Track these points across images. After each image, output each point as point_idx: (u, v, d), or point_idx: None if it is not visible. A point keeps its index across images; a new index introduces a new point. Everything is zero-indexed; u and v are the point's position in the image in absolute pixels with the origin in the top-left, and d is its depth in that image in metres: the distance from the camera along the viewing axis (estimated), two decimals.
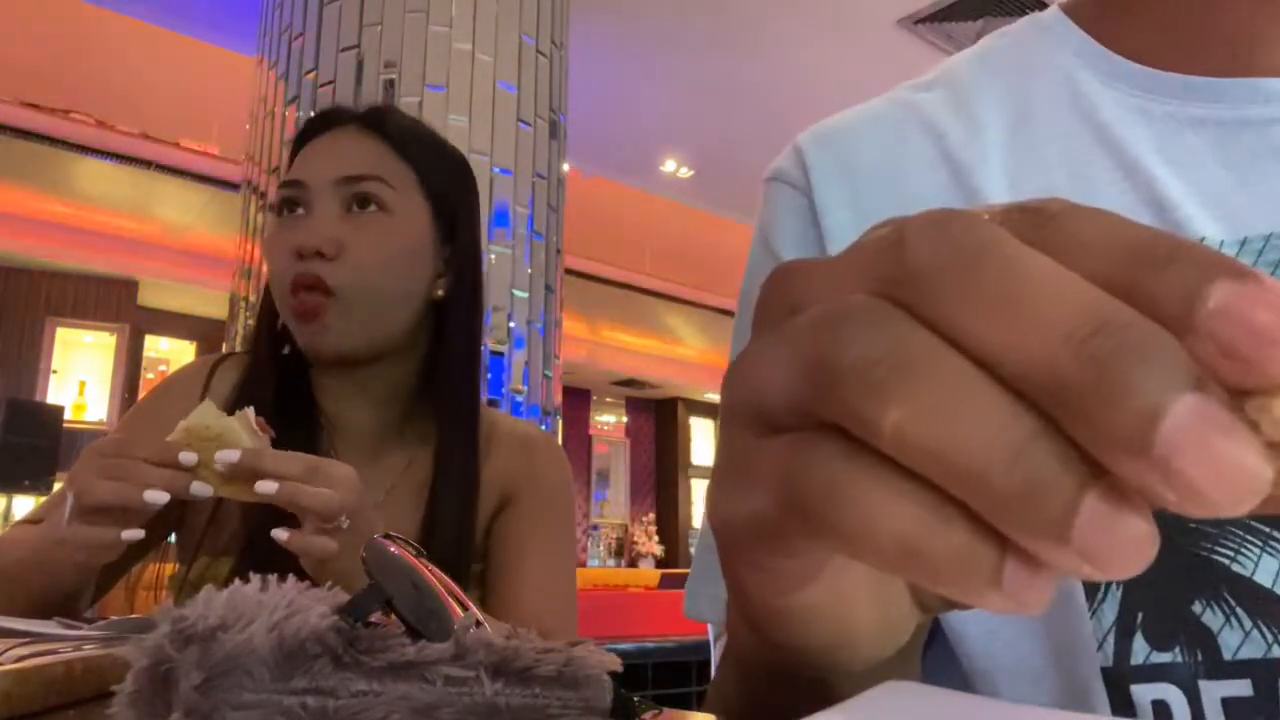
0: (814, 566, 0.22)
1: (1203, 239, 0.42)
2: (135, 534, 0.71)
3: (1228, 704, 0.39)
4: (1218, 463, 0.14)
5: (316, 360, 0.94)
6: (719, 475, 0.22)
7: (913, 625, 0.27)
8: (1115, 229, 0.17)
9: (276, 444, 0.76)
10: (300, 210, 0.93)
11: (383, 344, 0.93)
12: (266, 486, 0.70)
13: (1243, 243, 0.42)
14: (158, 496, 0.70)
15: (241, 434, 0.73)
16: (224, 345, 3.74)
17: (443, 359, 0.97)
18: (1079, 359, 0.15)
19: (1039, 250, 0.17)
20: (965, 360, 0.16)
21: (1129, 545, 0.15)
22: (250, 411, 0.75)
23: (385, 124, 0.97)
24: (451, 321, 0.97)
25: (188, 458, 0.72)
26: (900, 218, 0.19)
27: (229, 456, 0.71)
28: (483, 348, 1.04)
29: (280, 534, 0.72)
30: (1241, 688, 0.39)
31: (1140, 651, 0.41)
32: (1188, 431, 0.14)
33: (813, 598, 0.22)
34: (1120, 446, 0.15)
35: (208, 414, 0.74)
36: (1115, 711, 0.41)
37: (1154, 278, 0.16)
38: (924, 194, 0.49)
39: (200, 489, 0.72)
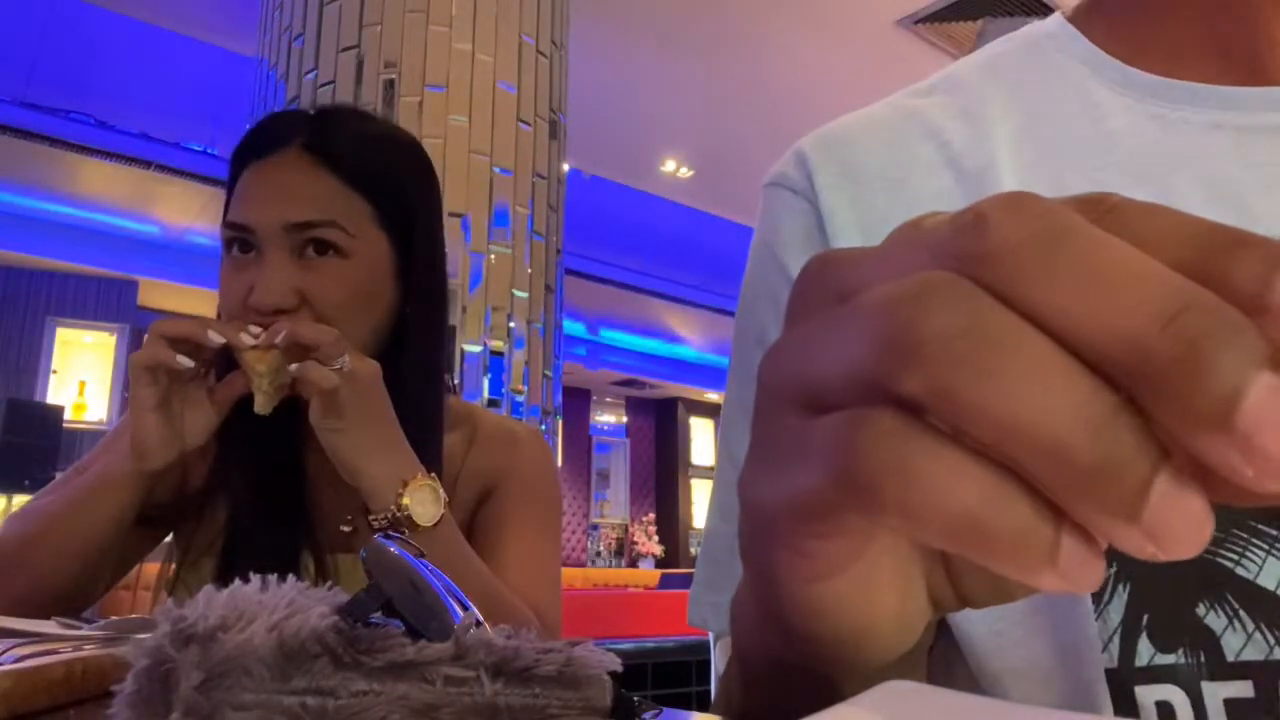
0: (852, 550, 0.22)
1: None
2: (187, 362, 0.81)
3: (1230, 705, 0.39)
4: None
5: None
6: (759, 454, 0.22)
7: (925, 623, 0.27)
8: (1177, 219, 0.17)
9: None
10: (251, 252, 0.88)
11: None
12: (277, 328, 0.80)
13: None
14: (217, 336, 0.81)
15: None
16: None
17: (403, 367, 0.92)
18: (1167, 338, 0.15)
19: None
20: (1047, 338, 0.17)
21: (1193, 525, 0.16)
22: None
23: (333, 147, 0.90)
24: (410, 330, 0.94)
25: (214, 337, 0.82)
26: (921, 215, 0.19)
27: (251, 333, 0.81)
28: (447, 351, 1.02)
29: (292, 367, 0.80)
30: (1243, 689, 0.40)
31: (1145, 653, 0.41)
32: (1268, 408, 0.15)
33: (842, 585, 0.23)
34: (1205, 423, 0.15)
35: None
36: (1119, 713, 0.41)
37: (1224, 264, 0.16)
38: (928, 198, 0.49)
39: (250, 333, 0.82)
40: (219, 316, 0.94)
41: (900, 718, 0.22)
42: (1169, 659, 0.41)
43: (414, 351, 0.94)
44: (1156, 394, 0.16)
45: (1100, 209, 0.18)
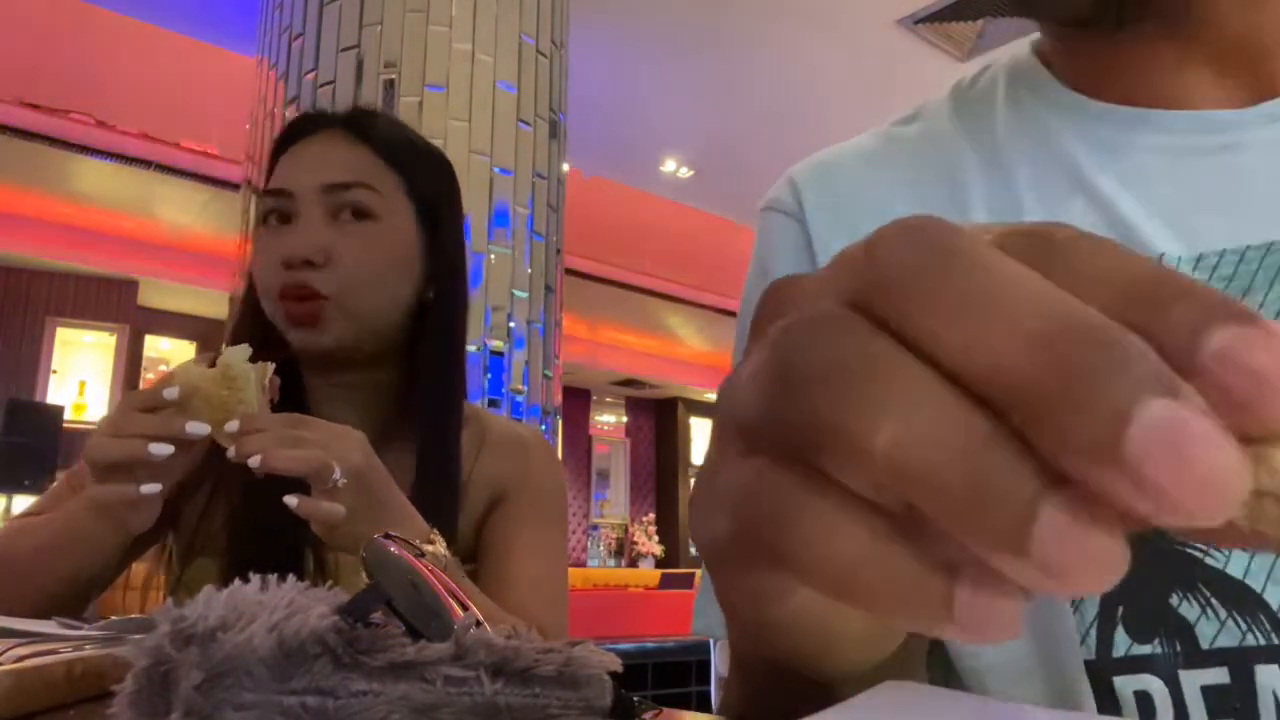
0: (788, 583, 0.21)
1: (1161, 255, 0.46)
2: (153, 488, 0.73)
3: (1207, 692, 0.41)
4: (1192, 468, 0.13)
5: (308, 359, 0.94)
6: (696, 491, 0.21)
7: (904, 633, 0.26)
8: (1120, 261, 0.16)
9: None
10: (287, 220, 0.92)
11: (373, 347, 0.94)
12: (252, 462, 0.70)
13: (1198, 259, 0.45)
14: (161, 448, 0.72)
15: (253, 388, 0.75)
16: (224, 345, 3.74)
17: (424, 359, 0.96)
18: (1042, 360, 0.14)
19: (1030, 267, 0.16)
20: (923, 366, 0.16)
21: (1092, 558, 0.14)
22: (270, 366, 0.77)
23: (369, 128, 0.97)
24: (433, 322, 0.97)
25: (187, 425, 0.74)
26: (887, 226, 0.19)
27: (231, 427, 0.73)
28: (466, 348, 1.04)
29: (290, 500, 0.72)
30: (1219, 675, 0.41)
31: (1121, 644, 0.43)
32: (1159, 435, 0.13)
33: (794, 610, 0.22)
34: (1087, 452, 0.14)
35: (238, 356, 0.76)
36: (1099, 702, 0.42)
37: (1157, 315, 0.15)
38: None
39: (196, 428, 0.73)
40: (247, 294, 0.96)
41: (899, 717, 0.22)
42: (1145, 649, 0.42)
43: (435, 338, 0.97)
44: (1036, 422, 0.15)
45: (1044, 243, 0.17)
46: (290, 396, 0.93)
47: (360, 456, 0.74)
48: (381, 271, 0.92)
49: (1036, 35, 0.58)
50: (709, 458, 0.21)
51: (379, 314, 0.93)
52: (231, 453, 0.72)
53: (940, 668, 0.51)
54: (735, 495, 0.18)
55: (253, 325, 0.95)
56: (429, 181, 0.99)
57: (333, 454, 0.72)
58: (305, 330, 0.90)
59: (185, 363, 0.77)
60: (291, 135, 0.98)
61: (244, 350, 0.76)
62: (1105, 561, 0.14)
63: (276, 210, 0.93)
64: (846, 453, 0.16)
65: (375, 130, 0.97)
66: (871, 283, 0.17)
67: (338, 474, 0.71)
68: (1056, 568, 0.14)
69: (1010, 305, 0.15)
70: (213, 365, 0.76)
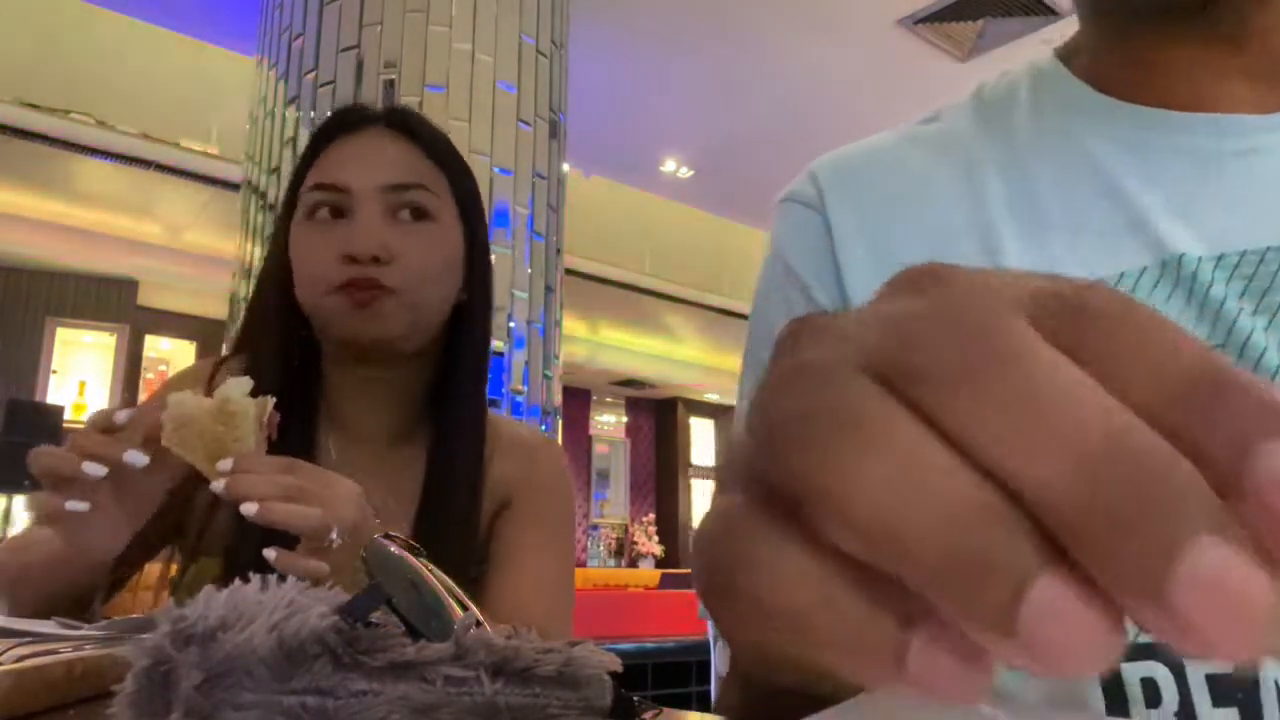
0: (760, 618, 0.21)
1: (1182, 255, 0.46)
2: (78, 506, 0.71)
3: (1212, 680, 0.41)
4: (1234, 613, 0.13)
5: (344, 352, 0.93)
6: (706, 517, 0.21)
7: None
8: (1157, 339, 0.15)
9: (275, 441, 0.75)
10: (339, 215, 0.91)
11: (417, 344, 0.94)
12: (247, 509, 0.68)
13: (1219, 259, 0.46)
14: (94, 468, 0.70)
15: (251, 424, 0.72)
16: (224, 345, 3.74)
17: (457, 362, 0.97)
18: (1088, 483, 0.13)
19: (1066, 350, 0.15)
20: (918, 424, 0.15)
21: (1083, 640, 0.13)
22: (270, 401, 0.74)
23: (415, 128, 0.97)
24: (467, 325, 0.98)
25: (135, 457, 0.71)
26: (923, 277, 0.17)
27: (224, 466, 0.70)
28: (489, 352, 1.05)
29: (269, 553, 0.69)
30: (1225, 664, 0.41)
31: (1129, 631, 0.42)
32: (1205, 578, 0.13)
33: (776, 641, 0.22)
34: (1126, 583, 0.13)
35: (237, 389, 0.72)
36: (1105, 688, 0.43)
37: (1198, 421, 0.14)
38: (932, 222, 0.53)
39: (133, 458, 0.71)
40: (269, 291, 0.94)
41: (900, 718, 0.22)
42: (1152, 637, 0.42)
43: (469, 340, 0.98)
44: (1076, 543, 0.14)
45: (1077, 314, 0.16)
46: (306, 389, 0.94)
47: (355, 511, 0.72)
48: (441, 271, 0.93)
49: (1058, 42, 0.59)
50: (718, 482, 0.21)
51: (434, 311, 0.94)
52: (219, 488, 0.69)
53: None
54: (715, 528, 0.18)
55: (277, 321, 0.94)
56: (468, 182, 1.00)
57: (329, 510, 0.70)
58: (366, 318, 0.89)
59: (184, 392, 0.73)
60: (334, 129, 0.97)
61: (245, 384, 0.73)
62: (1097, 648, 0.14)
63: (329, 205, 0.92)
64: (827, 506, 0.15)
65: (422, 130, 0.97)
66: (900, 366, 0.16)
67: (334, 535, 0.69)
68: (1044, 650, 0.13)
69: (1055, 416, 0.14)
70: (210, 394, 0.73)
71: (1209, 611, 0.13)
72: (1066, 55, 0.57)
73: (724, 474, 0.20)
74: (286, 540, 0.72)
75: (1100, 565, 0.13)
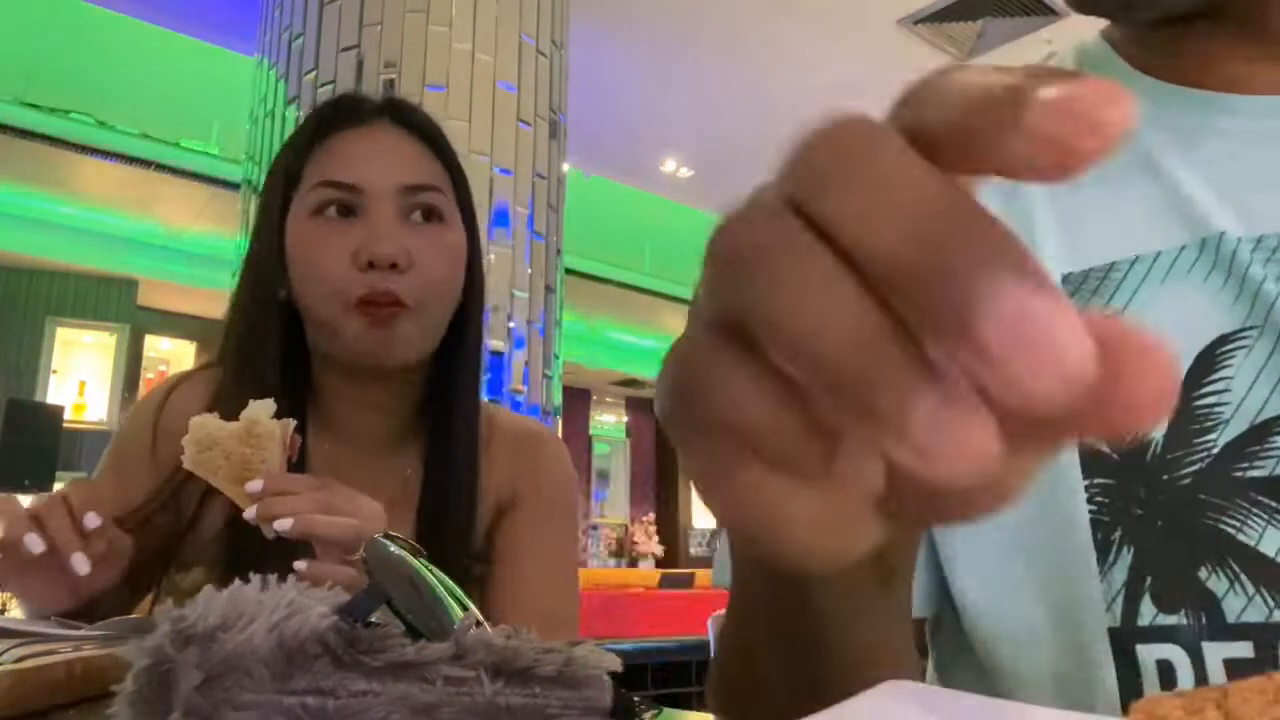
0: (718, 446, 0.22)
1: (1222, 234, 0.46)
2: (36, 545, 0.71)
3: (1229, 665, 0.42)
4: (1037, 349, 0.15)
5: (352, 367, 0.90)
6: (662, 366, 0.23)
7: (871, 537, 0.27)
8: (962, 84, 0.17)
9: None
10: (348, 213, 0.87)
11: (422, 356, 0.91)
12: (281, 524, 0.69)
13: (1259, 240, 0.46)
14: (35, 543, 0.70)
15: (276, 445, 0.73)
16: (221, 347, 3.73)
17: (453, 365, 0.94)
18: (913, 242, 0.16)
19: (909, 132, 0.17)
20: (829, 253, 0.17)
21: (962, 447, 0.15)
22: (291, 424, 0.74)
23: (417, 122, 0.94)
24: (464, 328, 0.95)
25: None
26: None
27: (254, 487, 0.71)
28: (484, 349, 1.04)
29: (300, 565, 0.69)
30: (1243, 649, 0.42)
31: (1147, 613, 0.44)
32: (1009, 314, 0.15)
33: (739, 483, 0.23)
34: (949, 329, 0.15)
35: (264, 412, 0.73)
36: (1120, 669, 0.43)
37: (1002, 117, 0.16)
38: None
39: (78, 563, 0.72)
40: (273, 285, 0.90)
41: (900, 718, 0.22)
42: (1171, 620, 0.43)
43: (469, 351, 0.95)
44: (907, 302, 0.16)
45: (916, 96, 0.18)
46: (296, 392, 0.91)
47: (380, 528, 0.72)
48: (452, 277, 0.91)
49: (1057, 41, 0.59)
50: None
51: (443, 323, 0.91)
52: (251, 514, 0.70)
53: (949, 641, 0.52)
54: (676, 362, 0.20)
55: (268, 321, 0.90)
56: (465, 180, 0.97)
57: (361, 523, 0.72)
58: (384, 340, 0.86)
59: (205, 415, 0.73)
60: (333, 120, 0.92)
61: (269, 406, 0.73)
62: (974, 452, 0.15)
63: (338, 203, 0.87)
64: (759, 330, 0.17)
65: (426, 126, 0.94)
66: (800, 189, 0.18)
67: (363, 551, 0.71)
68: (928, 453, 0.15)
69: (894, 198, 0.16)
70: (212, 409, 0.75)
71: (1012, 343, 0.15)
72: (1112, 37, 0.58)
73: (690, 308, 0.21)
74: (289, 554, 0.72)
75: (928, 316, 0.16)
